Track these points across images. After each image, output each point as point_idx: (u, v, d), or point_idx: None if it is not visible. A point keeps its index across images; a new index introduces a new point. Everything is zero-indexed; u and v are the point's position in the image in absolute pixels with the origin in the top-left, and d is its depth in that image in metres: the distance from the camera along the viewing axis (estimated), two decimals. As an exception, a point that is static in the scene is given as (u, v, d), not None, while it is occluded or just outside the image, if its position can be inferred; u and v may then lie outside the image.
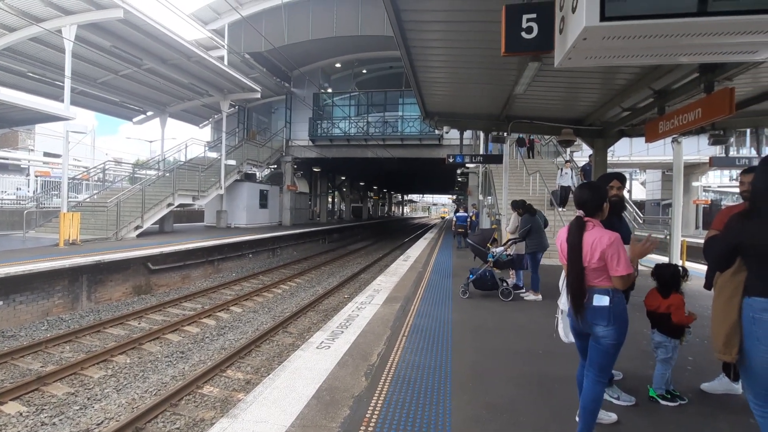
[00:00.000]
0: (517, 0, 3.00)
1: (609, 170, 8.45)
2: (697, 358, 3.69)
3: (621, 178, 3.20)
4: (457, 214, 14.63)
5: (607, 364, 2.24)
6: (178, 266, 10.92)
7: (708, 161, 13.56)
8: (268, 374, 4.42)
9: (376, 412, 2.73)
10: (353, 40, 18.97)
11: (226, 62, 16.58)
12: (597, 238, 2.18)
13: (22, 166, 28.23)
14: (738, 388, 3.01)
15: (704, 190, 27.94)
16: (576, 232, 2.24)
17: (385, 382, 3.18)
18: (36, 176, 24.33)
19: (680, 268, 3.05)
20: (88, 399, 4.80)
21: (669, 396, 2.90)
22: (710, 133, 7.27)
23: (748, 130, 21.82)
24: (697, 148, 20.71)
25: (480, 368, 3.50)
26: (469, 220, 14.69)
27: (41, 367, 5.63)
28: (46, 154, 32.18)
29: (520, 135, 16.40)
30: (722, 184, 33.00)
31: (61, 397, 4.79)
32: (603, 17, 2.23)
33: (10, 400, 4.62)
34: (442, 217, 70.72)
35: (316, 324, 7.90)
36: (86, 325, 7.12)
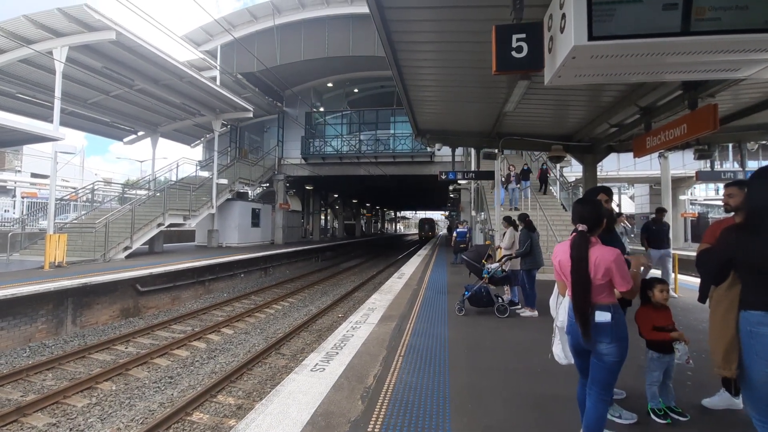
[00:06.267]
0: (506, 20, 3.07)
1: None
2: (697, 374, 3.65)
3: (607, 191, 3.19)
4: (458, 230, 14.66)
5: (610, 381, 2.20)
6: (167, 287, 10.67)
7: (694, 175, 13.86)
8: (261, 399, 4.28)
9: (373, 438, 2.63)
10: (345, 60, 19.31)
11: (218, 82, 16.71)
12: (600, 255, 2.16)
13: (8, 187, 27.78)
14: (739, 403, 2.97)
15: (691, 204, 28.43)
16: (580, 247, 2.21)
17: (382, 406, 3.09)
18: (22, 197, 23.93)
19: (647, 280, 3.03)
20: (71, 430, 4.57)
21: (662, 412, 2.85)
22: (695, 147, 7.47)
23: (730, 145, 22.50)
24: (683, 163, 21.21)
25: (478, 388, 3.42)
26: (455, 234, 14.76)
27: (21, 396, 5.38)
28: (33, 175, 31.78)
29: (525, 167, 14.23)
30: (707, 197, 33.69)
31: (41, 429, 4.56)
32: (591, 37, 2.28)
33: (-13, 433, 4.40)
34: (423, 237, 49.34)
35: (309, 345, 7.72)
36: (70, 351, 6.86)
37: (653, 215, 7.51)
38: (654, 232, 7.38)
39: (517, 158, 18.13)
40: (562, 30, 2.48)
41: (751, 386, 1.91)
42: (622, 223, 7.49)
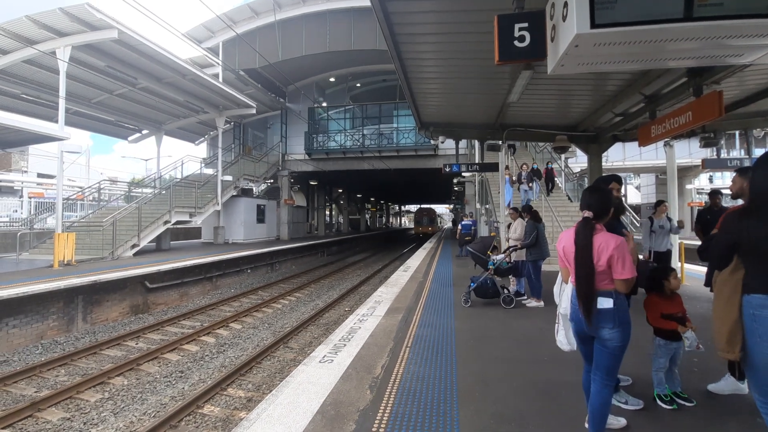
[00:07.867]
0: (507, 10, 3.06)
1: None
2: (702, 359, 3.66)
3: (619, 180, 3.24)
4: (462, 222, 14.62)
5: (614, 366, 2.22)
6: (175, 284, 10.80)
7: (700, 164, 13.73)
8: (271, 391, 4.37)
9: (382, 426, 2.68)
10: (346, 54, 19.24)
11: (221, 79, 16.72)
12: (604, 242, 2.17)
13: (15, 188, 28.07)
14: (745, 387, 2.99)
15: (698, 192, 28.15)
16: (585, 233, 2.22)
17: (391, 395, 3.14)
18: (30, 198, 24.17)
19: (661, 268, 3.03)
20: (84, 424, 4.67)
21: (668, 398, 2.87)
22: (701, 135, 7.39)
23: (737, 132, 22.22)
24: (689, 151, 20.98)
25: (485, 377, 3.46)
26: (459, 227, 14.69)
27: (35, 392, 5.49)
28: (40, 175, 32.02)
29: (534, 165, 13.70)
30: (714, 186, 33.37)
31: (55, 423, 4.66)
32: (593, 24, 2.28)
33: (2, 428, 4.49)
34: (422, 233, 37.81)
35: (317, 338, 7.80)
36: (82, 348, 6.99)
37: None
38: (710, 222, 5.73)
39: (524, 152, 17.93)
40: (564, 18, 2.48)
41: (755, 369, 1.93)
42: (664, 214, 6.44)
